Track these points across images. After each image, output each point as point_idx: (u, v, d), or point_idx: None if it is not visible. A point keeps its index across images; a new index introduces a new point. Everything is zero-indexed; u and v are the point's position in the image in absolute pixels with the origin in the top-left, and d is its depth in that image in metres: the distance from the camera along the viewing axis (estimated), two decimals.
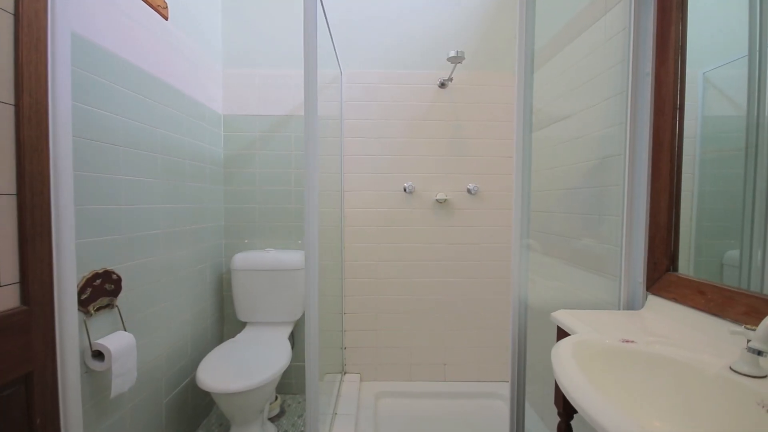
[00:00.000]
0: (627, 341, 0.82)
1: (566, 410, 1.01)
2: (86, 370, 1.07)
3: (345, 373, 2.13)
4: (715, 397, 0.67)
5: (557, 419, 1.50)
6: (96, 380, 1.11)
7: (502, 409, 1.95)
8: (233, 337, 1.98)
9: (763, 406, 0.61)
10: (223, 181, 2.05)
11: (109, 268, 1.16)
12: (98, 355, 1.09)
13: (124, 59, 1.24)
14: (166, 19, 1.48)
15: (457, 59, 1.73)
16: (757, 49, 0.91)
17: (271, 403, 1.85)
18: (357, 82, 2.05)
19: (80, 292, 1.05)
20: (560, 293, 1.43)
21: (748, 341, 0.67)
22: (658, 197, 1.00)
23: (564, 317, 1.00)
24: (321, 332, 2.11)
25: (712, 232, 1.00)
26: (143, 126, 1.35)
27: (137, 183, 1.32)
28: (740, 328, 0.69)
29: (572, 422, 1.03)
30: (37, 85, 0.90)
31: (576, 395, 0.64)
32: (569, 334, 0.98)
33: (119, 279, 1.20)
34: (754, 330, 0.67)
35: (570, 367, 0.70)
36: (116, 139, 1.21)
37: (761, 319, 0.74)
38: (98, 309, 1.12)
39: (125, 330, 1.21)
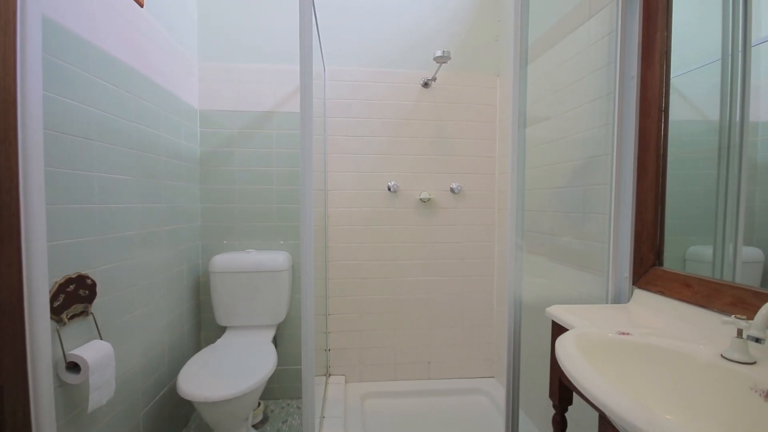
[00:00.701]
0: (623, 333, 0.85)
1: (561, 402, 1.03)
2: (60, 384, 0.98)
3: (329, 375, 2.09)
4: (709, 384, 0.71)
5: (540, 411, 1.54)
6: (70, 394, 1.02)
7: (486, 404, 1.99)
8: (212, 342, 1.90)
9: (755, 391, 0.65)
10: (199, 179, 1.96)
11: (83, 272, 1.08)
12: (73, 366, 1.00)
13: (98, 47, 1.15)
14: (142, 6, 1.39)
15: (443, 59, 1.74)
16: (730, 54, 0.97)
17: (254, 410, 1.78)
18: (340, 79, 2.02)
19: (52, 299, 0.96)
20: (547, 290, 1.47)
21: (739, 330, 0.72)
22: (644, 196, 1.05)
23: (559, 312, 1.03)
24: None
25: (677, 229, 1.06)
26: (118, 119, 1.26)
27: (111, 180, 1.23)
28: (731, 318, 0.73)
29: (566, 414, 1.06)
30: (4, 71, 0.82)
31: (585, 383, 0.65)
32: (564, 328, 1.00)
33: (94, 284, 1.11)
34: (744, 319, 0.71)
35: (577, 358, 0.72)
36: (90, 133, 1.12)
37: (747, 309, 0.79)
38: (72, 317, 1.03)
39: (101, 339, 1.13)
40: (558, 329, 1.04)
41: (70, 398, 1.02)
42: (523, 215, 1.20)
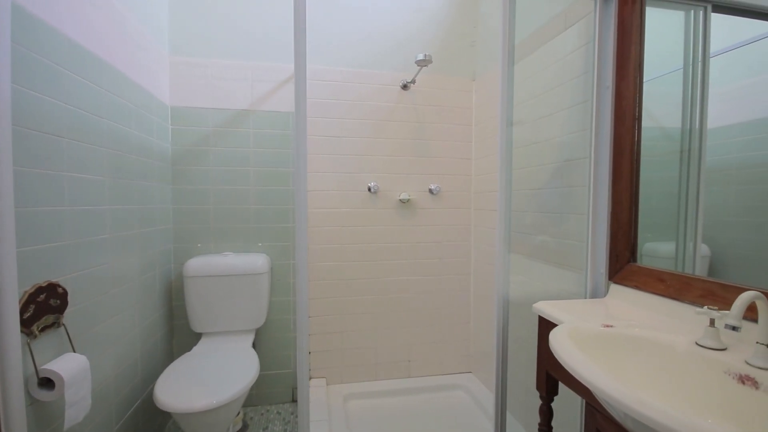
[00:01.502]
0: (607, 326, 0.92)
1: (548, 393, 1.09)
2: (31, 402, 0.90)
3: (310, 378, 2.06)
4: (688, 369, 0.78)
5: (519, 403, 1.61)
6: (43, 412, 0.94)
7: (465, 398, 2.05)
8: (185, 350, 1.82)
9: (729, 374, 0.72)
10: (171, 179, 1.86)
11: (53, 280, 0.99)
12: (46, 382, 0.92)
13: (67, 35, 1.07)
14: None
15: (424, 62, 1.77)
16: (691, 64, 1.07)
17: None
18: (319, 79, 2.00)
19: (22, 310, 0.88)
20: (526, 287, 1.54)
21: (711, 319, 0.79)
22: (619, 197, 1.13)
23: (545, 307, 1.09)
24: (286, 339, 2.03)
25: (640, 227, 1.14)
26: (89, 115, 1.17)
27: (82, 181, 1.14)
28: (704, 309, 0.81)
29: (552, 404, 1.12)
30: None
31: (585, 373, 0.69)
32: (549, 322, 1.06)
33: (65, 293, 1.03)
34: (716, 309, 0.79)
35: (573, 351, 0.76)
36: (60, 130, 1.04)
37: (716, 300, 0.87)
38: (43, 329, 0.95)
39: (74, 351, 1.05)
40: (544, 323, 1.10)
41: (43, 416, 0.94)
42: (510, 215, 1.25)
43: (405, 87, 2.08)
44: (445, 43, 2.14)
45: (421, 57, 1.76)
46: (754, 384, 0.67)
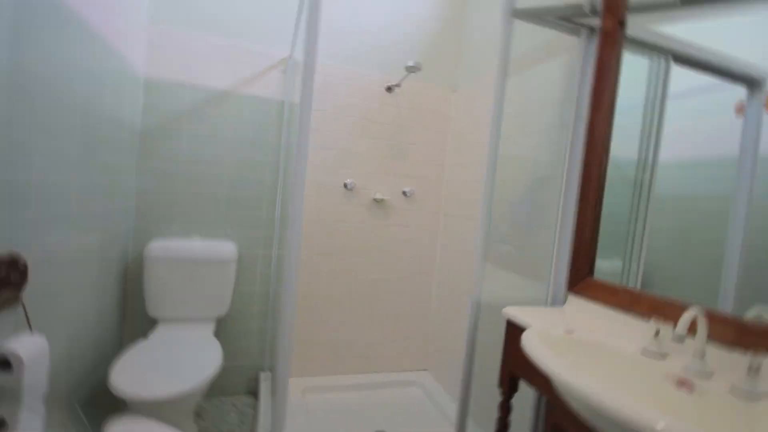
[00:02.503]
0: (569, 332, 1.02)
1: (510, 390, 1.19)
2: None
3: (271, 370, 2.04)
4: (634, 373, 0.90)
5: (473, 400, 1.72)
6: None
7: (420, 395, 2.14)
8: (137, 335, 1.73)
9: (668, 378, 0.84)
10: (138, 154, 1.75)
11: (15, 252, 0.91)
12: (1, 363, 0.85)
13: None
14: None
15: (414, 69, 1.83)
16: (650, 103, 1.21)
17: None
18: None
19: None
20: (491, 294, 1.64)
21: (657, 330, 0.92)
22: (584, 217, 1.26)
23: (514, 312, 1.18)
24: (246, 329, 1.99)
25: None
26: (64, 77, 1.08)
27: (53, 148, 1.05)
28: (650, 322, 0.93)
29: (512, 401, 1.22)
30: None
31: (552, 368, 0.78)
32: (517, 326, 1.16)
33: (26, 267, 0.95)
34: (662, 322, 0.92)
35: (545, 351, 0.85)
36: (32, 91, 0.95)
37: (660, 314, 1.01)
38: (0, 305, 0.87)
39: (31, 330, 0.97)
40: (511, 327, 1.19)
41: None
42: (491, 225, 1.34)
43: (389, 89, 2.12)
44: (430, 52, 2.21)
45: (411, 63, 1.81)
46: (690, 387, 0.79)
